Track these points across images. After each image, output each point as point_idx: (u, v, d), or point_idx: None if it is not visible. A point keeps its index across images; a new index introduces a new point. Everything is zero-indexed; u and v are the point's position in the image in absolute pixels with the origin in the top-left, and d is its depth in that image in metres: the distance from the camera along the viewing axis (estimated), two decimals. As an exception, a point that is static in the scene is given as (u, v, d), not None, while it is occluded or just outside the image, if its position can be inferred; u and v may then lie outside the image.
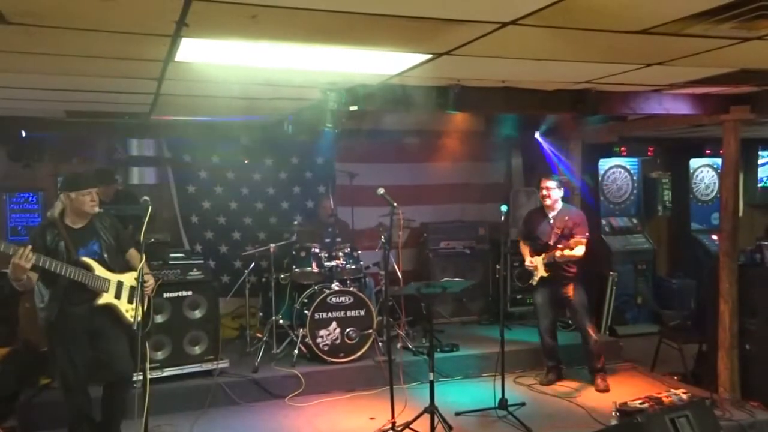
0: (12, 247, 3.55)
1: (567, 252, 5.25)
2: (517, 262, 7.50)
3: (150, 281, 4.08)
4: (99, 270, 3.90)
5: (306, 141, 6.93)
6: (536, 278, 5.55)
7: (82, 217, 3.96)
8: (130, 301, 4.00)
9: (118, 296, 3.98)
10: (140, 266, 3.75)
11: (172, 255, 5.51)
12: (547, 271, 5.46)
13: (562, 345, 5.85)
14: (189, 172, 6.91)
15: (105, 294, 3.92)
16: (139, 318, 3.70)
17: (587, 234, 5.46)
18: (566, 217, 5.44)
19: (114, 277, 3.99)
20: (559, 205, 5.55)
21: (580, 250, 5.30)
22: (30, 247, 3.60)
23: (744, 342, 5.25)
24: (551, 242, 5.41)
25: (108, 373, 4.08)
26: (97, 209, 3.94)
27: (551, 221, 5.49)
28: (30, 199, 6.49)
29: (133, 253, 4.25)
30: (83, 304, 3.88)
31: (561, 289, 5.53)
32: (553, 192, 5.50)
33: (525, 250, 5.74)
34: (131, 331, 3.81)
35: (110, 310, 3.96)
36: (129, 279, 4.05)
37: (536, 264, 5.54)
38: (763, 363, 5.15)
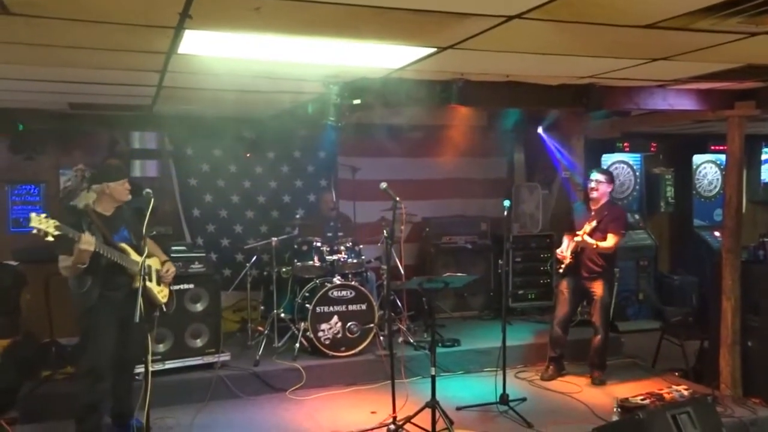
0: (75, 233, 3.70)
1: (589, 239, 5.21)
2: (519, 257, 7.53)
3: (172, 269, 4.36)
4: (133, 254, 4.03)
5: (308, 134, 6.92)
6: (562, 267, 5.55)
7: (112, 206, 4.13)
8: (158, 284, 4.26)
9: (150, 279, 4.16)
10: (142, 258, 3.83)
11: (173, 248, 5.50)
12: (571, 258, 5.45)
13: (568, 340, 5.82)
14: (191, 165, 6.89)
15: (139, 277, 4.02)
16: (142, 308, 3.75)
17: (622, 232, 5.45)
18: (605, 212, 5.40)
19: (145, 261, 4.15)
20: (605, 200, 5.49)
21: (608, 242, 5.29)
22: (88, 232, 3.76)
23: (746, 339, 5.25)
24: (582, 230, 5.35)
25: (119, 360, 4.13)
26: (129, 197, 4.12)
27: (591, 213, 5.46)
28: (32, 191, 6.49)
29: (148, 240, 4.34)
30: (120, 290, 3.97)
31: (587, 283, 5.52)
32: (601, 186, 5.46)
33: (564, 241, 5.69)
34: (149, 318, 4.01)
35: (145, 293, 4.08)
36: (154, 263, 4.28)
37: (565, 253, 5.54)
38: (766, 360, 5.15)
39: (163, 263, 4.38)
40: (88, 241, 3.71)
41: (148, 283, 4.09)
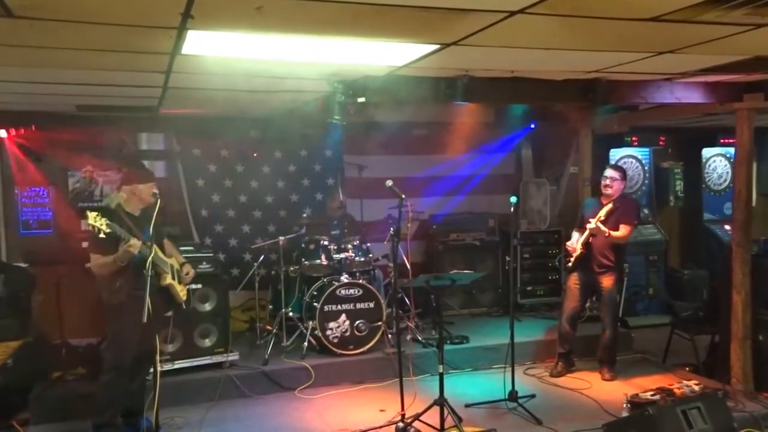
0: (124, 232, 3.95)
1: (602, 227, 5.18)
2: (527, 253, 7.50)
3: (192, 271, 4.58)
4: (159, 253, 4.17)
5: (315, 134, 6.92)
6: (572, 260, 5.52)
7: (140, 206, 4.31)
8: (179, 282, 4.44)
9: (174, 277, 4.37)
10: (150, 259, 3.89)
11: (181, 248, 5.50)
12: (582, 249, 5.42)
13: (577, 336, 5.79)
14: (198, 165, 6.91)
15: (166, 275, 4.25)
16: (150, 306, 3.81)
17: (635, 222, 5.42)
18: (618, 204, 5.35)
19: (168, 260, 4.37)
20: (618, 194, 5.43)
21: (621, 232, 5.26)
22: (135, 238, 3.96)
23: (757, 333, 5.20)
24: (597, 217, 5.30)
25: (138, 356, 4.23)
26: (153, 199, 4.22)
27: (602, 205, 5.40)
28: (41, 193, 6.53)
29: (167, 241, 4.61)
30: (147, 288, 4.02)
31: (596, 278, 5.48)
32: (616, 183, 5.40)
33: (573, 236, 5.66)
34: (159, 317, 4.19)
35: (167, 290, 4.30)
36: (175, 262, 4.48)
37: (575, 246, 5.51)
38: (777, 354, 5.11)
39: (182, 265, 4.55)
40: (135, 244, 3.91)
41: (172, 281, 4.32)
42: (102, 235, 3.78)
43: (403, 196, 4.64)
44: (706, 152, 8.66)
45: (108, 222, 3.81)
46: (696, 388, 4.64)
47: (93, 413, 4.24)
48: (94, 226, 3.76)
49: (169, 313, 4.45)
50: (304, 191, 7.30)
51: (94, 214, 3.78)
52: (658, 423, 3.97)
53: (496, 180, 7.96)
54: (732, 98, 5.08)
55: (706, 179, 8.66)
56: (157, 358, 4.00)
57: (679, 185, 8.36)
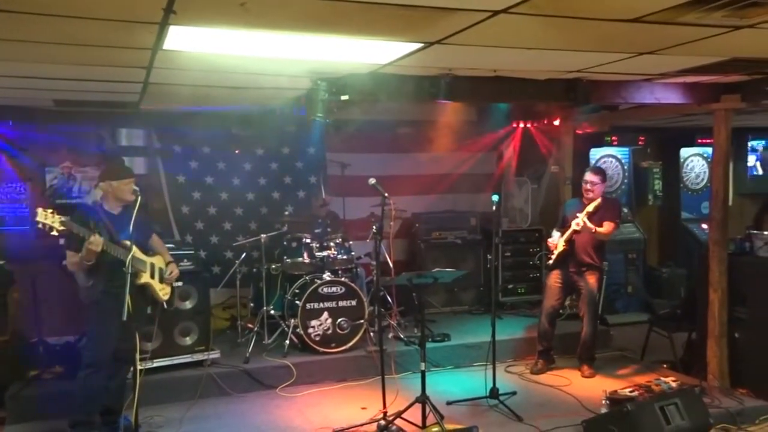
0: (84, 230, 3.83)
1: (588, 222, 5.21)
2: (508, 252, 7.55)
3: (176, 271, 4.48)
4: (137, 252, 4.08)
5: (297, 131, 6.89)
6: (553, 257, 5.56)
7: (119, 204, 4.22)
8: (161, 281, 4.35)
9: (153, 276, 4.27)
10: (129, 256, 3.83)
11: (161, 246, 5.48)
12: (565, 245, 5.45)
13: (557, 333, 5.85)
14: (179, 162, 6.84)
15: (143, 274, 4.15)
16: (130, 304, 3.76)
17: (617, 221, 5.48)
18: (600, 203, 5.38)
19: (148, 259, 4.26)
20: (599, 195, 5.47)
21: (605, 228, 5.32)
22: (98, 234, 3.87)
23: (733, 330, 5.29)
24: (578, 217, 5.34)
25: (117, 354, 4.19)
26: (134, 197, 4.12)
27: (584, 206, 5.43)
28: (18, 189, 6.42)
29: (155, 238, 4.56)
30: (124, 286, 3.97)
31: (578, 276, 5.53)
32: (597, 187, 5.43)
33: (554, 235, 5.69)
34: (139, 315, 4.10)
35: (146, 289, 4.21)
36: (158, 261, 4.38)
37: (556, 243, 5.54)
38: (752, 351, 5.19)
39: (167, 264, 4.47)
40: (96, 242, 3.83)
41: (150, 280, 4.22)
42: (54, 233, 3.67)
43: (386, 194, 4.64)
44: (684, 152, 8.78)
45: (63, 219, 3.70)
46: (673, 384, 4.70)
47: (70, 412, 4.20)
48: (44, 224, 3.64)
49: (150, 311, 4.37)
50: (286, 189, 7.26)
51: (47, 211, 3.66)
52: (636, 419, 4.03)
53: (478, 179, 7.99)
54: (710, 99, 5.16)
55: (684, 179, 8.78)
56: (137, 356, 3.95)
57: (658, 184, 8.47)
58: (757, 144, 9.03)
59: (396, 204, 6.00)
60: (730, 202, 5.50)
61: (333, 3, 2.64)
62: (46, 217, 3.64)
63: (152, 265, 4.30)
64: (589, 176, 5.51)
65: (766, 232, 5.45)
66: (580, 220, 5.27)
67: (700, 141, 8.54)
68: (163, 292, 4.35)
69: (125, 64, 3.95)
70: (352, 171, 6.98)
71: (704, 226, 7.98)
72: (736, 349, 5.28)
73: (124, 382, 4.39)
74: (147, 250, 4.31)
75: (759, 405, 4.85)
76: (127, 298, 3.71)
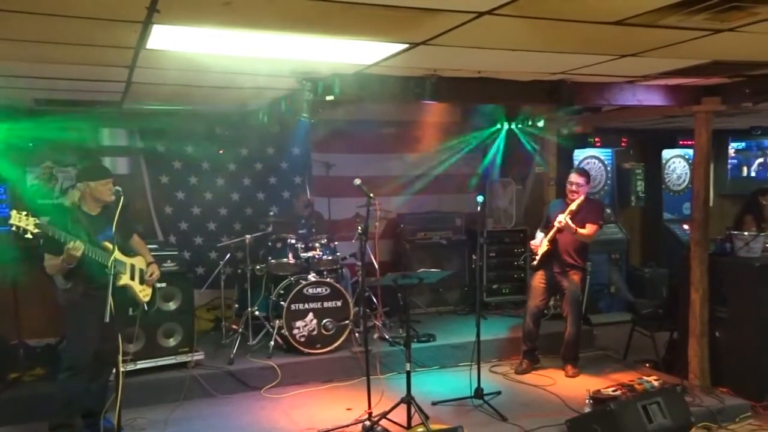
0: (60, 233, 3.77)
1: (570, 222, 5.25)
2: (493, 252, 7.58)
3: (156, 272, 4.41)
4: (116, 253, 4.00)
5: (282, 131, 6.86)
6: (537, 257, 5.59)
7: (97, 205, 4.17)
8: (141, 283, 4.30)
9: (132, 278, 4.22)
10: (111, 258, 3.78)
11: (145, 246, 5.43)
12: (549, 245, 5.48)
13: (541, 333, 5.88)
14: (162, 162, 6.79)
15: (123, 276, 4.11)
16: (112, 306, 3.71)
17: (600, 222, 5.52)
18: (583, 204, 5.42)
19: (128, 260, 4.22)
20: (583, 196, 5.50)
21: (587, 229, 5.36)
22: (78, 240, 3.81)
23: (714, 330, 5.35)
24: (566, 212, 5.37)
25: (98, 356, 4.15)
26: (113, 198, 4.08)
27: (568, 206, 5.46)
28: (-2, 189, 6.32)
29: (136, 239, 4.50)
30: (104, 288, 3.92)
31: (561, 276, 5.57)
32: (581, 189, 5.46)
33: (538, 235, 5.74)
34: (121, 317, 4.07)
35: (125, 291, 4.16)
36: (138, 262, 4.33)
37: (539, 244, 5.57)
38: (733, 350, 5.26)
39: (148, 265, 4.42)
40: (77, 247, 3.78)
41: (129, 282, 4.18)
42: (29, 236, 3.60)
43: (371, 194, 4.64)
44: (666, 153, 8.88)
45: (37, 222, 3.63)
46: (655, 383, 4.75)
47: (51, 415, 4.15)
48: (17, 227, 3.55)
49: (134, 313, 4.34)
50: (270, 189, 7.24)
51: (20, 213, 3.56)
52: (619, 418, 4.07)
53: (463, 179, 8.01)
54: (691, 101, 5.22)
55: (666, 180, 8.88)
56: (120, 358, 3.91)
57: (640, 185, 8.56)
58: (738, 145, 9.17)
59: (381, 204, 6.00)
60: (711, 203, 5.57)
61: (318, 3, 2.63)
62: (19, 219, 3.55)
63: (132, 267, 4.25)
64: (574, 177, 5.55)
65: (746, 233, 5.54)
66: (562, 219, 5.31)
67: (681, 143, 8.64)
68: (143, 293, 4.30)
69: (108, 63, 3.91)
70: (337, 171, 6.97)
71: (686, 226, 8.08)
72: (716, 348, 5.34)
73: (106, 384, 4.35)
74: (127, 251, 4.26)
75: (739, 403, 4.91)
76: (110, 299, 3.67)
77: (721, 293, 5.33)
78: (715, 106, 5.16)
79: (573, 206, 5.34)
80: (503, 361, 6.07)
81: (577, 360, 5.75)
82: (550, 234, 5.49)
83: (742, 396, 5.01)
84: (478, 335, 5.03)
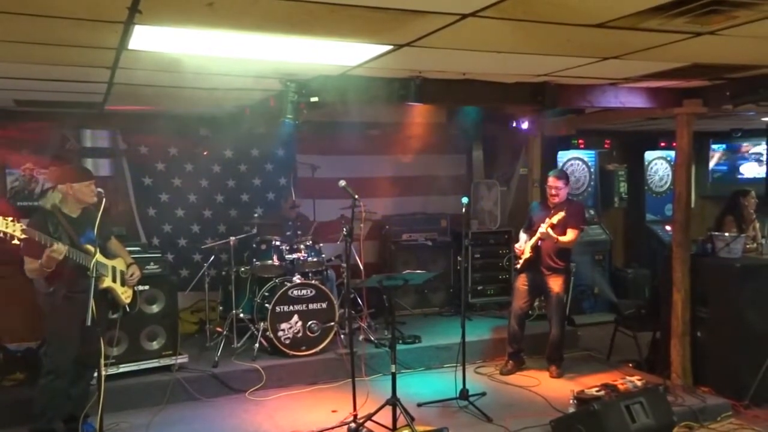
0: (48, 239, 3.75)
1: (552, 232, 5.28)
2: (478, 254, 7.60)
3: (137, 273, 4.39)
4: (98, 256, 3.95)
5: (266, 133, 6.84)
6: (520, 262, 5.62)
7: (79, 207, 4.13)
8: (122, 285, 4.28)
9: (114, 280, 4.20)
10: (93, 261, 3.73)
11: (127, 249, 5.35)
12: (531, 252, 5.51)
13: (526, 335, 5.89)
14: (145, 164, 6.72)
15: (105, 278, 4.09)
16: (94, 309, 3.66)
17: (582, 227, 5.56)
18: (565, 208, 5.43)
19: (109, 263, 4.20)
20: (564, 198, 5.55)
21: (568, 236, 5.39)
22: (60, 243, 3.79)
23: (696, 330, 5.41)
24: (547, 222, 5.39)
25: (79, 359, 4.14)
26: (95, 199, 4.05)
27: (551, 210, 5.50)
28: (-23, 191, 6.23)
29: (114, 241, 4.46)
30: (86, 291, 3.87)
31: (544, 279, 5.59)
32: (561, 191, 5.50)
33: (521, 237, 5.77)
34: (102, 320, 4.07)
35: (107, 293, 4.15)
36: (119, 264, 4.31)
37: (523, 248, 5.60)
38: (714, 350, 5.31)
39: (128, 266, 4.39)
40: (58, 250, 3.74)
41: (112, 284, 4.15)
42: (16, 242, 3.56)
43: (357, 196, 4.64)
44: (648, 155, 8.97)
45: (23, 227, 3.60)
46: (638, 383, 4.79)
47: (31, 419, 4.10)
48: (5, 233, 3.51)
49: (114, 316, 4.30)
50: (255, 191, 7.20)
51: (6, 220, 3.52)
52: (603, 418, 4.10)
53: (448, 181, 8.03)
54: (672, 103, 5.28)
55: (648, 181, 8.96)
56: (102, 361, 3.87)
57: (623, 187, 8.64)
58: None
59: (366, 206, 6.00)
60: (693, 205, 5.63)
61: (302, 4, 2.62)
62: (6, 225, 3.52)
63: (114, 269, 4.22)
64: (552, 181, 5.57)
65: (726, 234, 5.61)
66: (544, 229, 5.34)
67: (663, 144, 8.73)
68: (125, 295, 4.27)
69: (89, 64, 3.87)
70: (322, 173, 6.95)
71: (668, 227, 8.17)
72: (698, 348, 5.40)
73: (88, 388, 4.30)
74: (107, 254, 4.23)
75: (720, 403, 4.96)
76: (92, 303, 3.63)
77: (703, 294, 5.38)
78: (696, 109, 5.23)
79: (554, 219, 5.34)
80: (488, 362, 6.09)
81: (561, 361, 5.78)
82: (533, 241, 5.52)
83: (723, 395, 5.06)
84: (463, 336, 5.04)
